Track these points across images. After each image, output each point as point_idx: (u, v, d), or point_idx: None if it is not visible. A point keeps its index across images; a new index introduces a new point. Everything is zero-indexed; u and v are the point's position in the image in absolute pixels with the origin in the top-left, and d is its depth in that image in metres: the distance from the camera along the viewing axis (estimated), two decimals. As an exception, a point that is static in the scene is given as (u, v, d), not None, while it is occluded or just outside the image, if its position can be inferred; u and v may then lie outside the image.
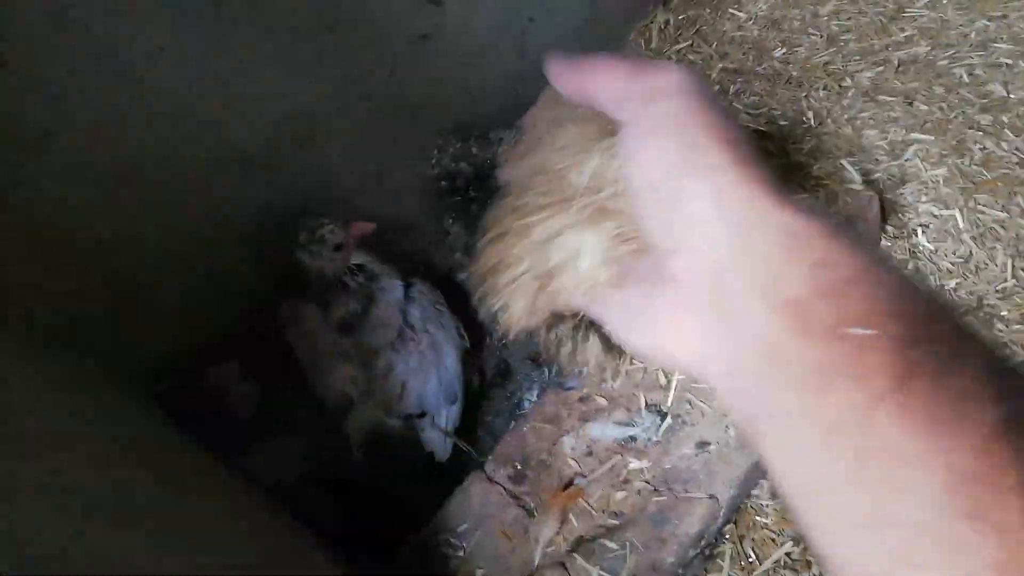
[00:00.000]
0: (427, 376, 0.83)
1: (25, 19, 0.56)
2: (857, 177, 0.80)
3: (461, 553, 0.73)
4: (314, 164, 0.83)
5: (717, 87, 1.02)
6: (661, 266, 0.37)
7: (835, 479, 0.28)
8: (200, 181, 0.73)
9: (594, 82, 0.42)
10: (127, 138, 0.66)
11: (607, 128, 0.41)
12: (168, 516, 0.53)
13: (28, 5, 0.56)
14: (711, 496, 0.71)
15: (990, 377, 0.27)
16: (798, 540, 0.76)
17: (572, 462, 0.76)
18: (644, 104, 0.38)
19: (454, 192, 1.00)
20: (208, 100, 0.70)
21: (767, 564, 0.73)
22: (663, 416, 0.75)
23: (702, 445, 0.73)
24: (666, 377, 0.76)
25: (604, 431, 0.76)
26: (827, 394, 0.28)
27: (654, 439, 0.74)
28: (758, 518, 0.78)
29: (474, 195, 1.01)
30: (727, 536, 0.76)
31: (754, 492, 0.78)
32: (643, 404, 0.76)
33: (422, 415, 0.83)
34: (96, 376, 0.66)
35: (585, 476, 0.74)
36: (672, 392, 0.75)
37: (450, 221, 1.04)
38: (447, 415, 0.83)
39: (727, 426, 0.73)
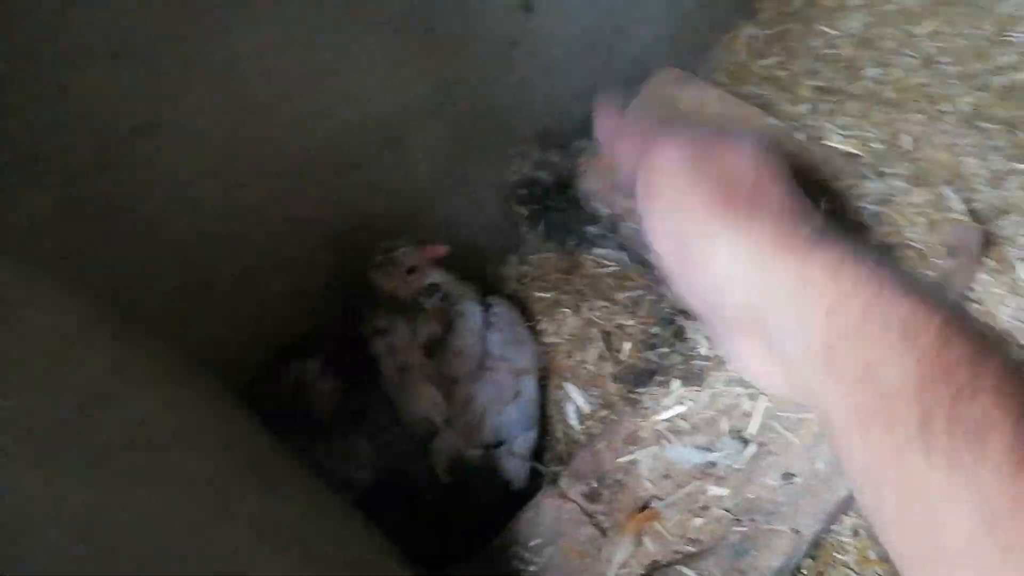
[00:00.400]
0: (505, 405, 0.82)
1: (139, 15, 0.57)
2: (960, 206, 0.77)
3: (533, 568, 0.71)
4: (399, 166, 0.83)
5: (808, 105, 0.99)
6: (711, 317, 0.41)
7: (884, 521, 0.30)
8: (291, 179, 0.74)
9: (616, 148, 0.47)
10: (222, 134, 0.66)
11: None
12: (263, 509, 0.53)
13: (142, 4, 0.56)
14: (794, 530, 0.69)
15: (1009, 398, 0.28)
16: (883, 578, 0.73)
17: (649, 484, 0.74)
18: (646, 182, 0.42)
19: (532, 200, 0.99)
20: (300, 99, 0.71)
21: (847, 604, 0.71)
22: (746, 443, 0.73)
23: (788, 476, 0.70)
24: (751, 402, 0.74)
25: (683, 454, 0.74)
26: (866, 440, 0.30)
27: (736, 466, 0.72)
28: (837, 555, 0.75)
29: (551, 204, 1.00)
30: (804, 571, 0.74)
31: (834, 527, 0.75)
32: (725, 429, 0.74)
33: (499, 444, 0.82)
34: (188, 366, 0.67)
35: (662, 499, 0.73)
36: (757, 419, 0.73)
37: (525, 229, 1.03)
38: (524, 441, 0.82)
39: (815, 458, 0.70)
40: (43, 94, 0.53)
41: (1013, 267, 0.83)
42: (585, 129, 1.00)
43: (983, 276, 0.83)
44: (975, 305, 0.83)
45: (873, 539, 0.75)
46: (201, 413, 0.61)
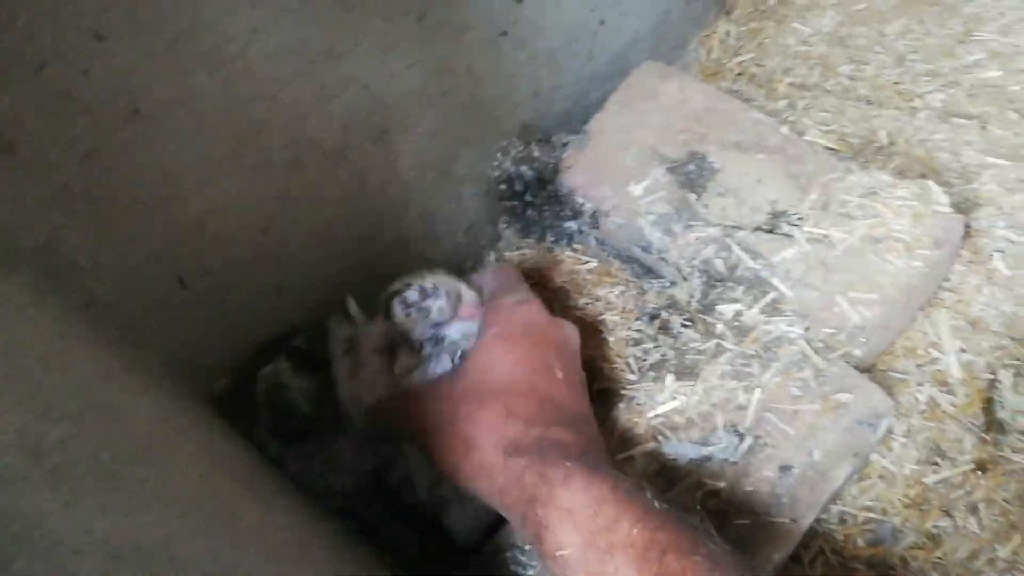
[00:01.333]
0: None
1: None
2: (945, 199, 0.78)
3: (531, 572, 0.70)
4: (384, 160, 0.80)
5: (785, 101, 1.00)
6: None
7: None
8: (279, 171, 0.70)
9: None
10: (214, 122, 0.63)
11: None
12: (263, 526, 0.50)
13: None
14: (792, 520, 0.69)
15: None
16: (871, 563, 0.74)
17: (643, 481, 0.73)
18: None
19: (512, 196, 0.97)
20: (293, 87, 0.67)
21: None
22: (741, 437, 0.72)
23: (785, 469, 0.70)
24: (745, 395, 0.74)
25: (678, 450, 0.73)
26: None
27: (731, 460, 0.72)
28: (823, 544, 0.76)
29: (531, 200, 0.98)
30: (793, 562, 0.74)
31: (823, 516, 0.76)
32: (720, 424, 0.73)
33: None
34: (165, 371, 0.63)
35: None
36: (751, 411, 0.73)
37: (504, 226, 1.01)
38: None
39: (811, 449, 0.71)
40: (15, 76, 0.49)
41: (991, 257, 0.85)
42: (567, 123, 0.99)
43: (959, 267, 0.85)
44: (951, 295, 0.85)
45: (860, 526, 0.76)
46: (187, 422, 0.57)
